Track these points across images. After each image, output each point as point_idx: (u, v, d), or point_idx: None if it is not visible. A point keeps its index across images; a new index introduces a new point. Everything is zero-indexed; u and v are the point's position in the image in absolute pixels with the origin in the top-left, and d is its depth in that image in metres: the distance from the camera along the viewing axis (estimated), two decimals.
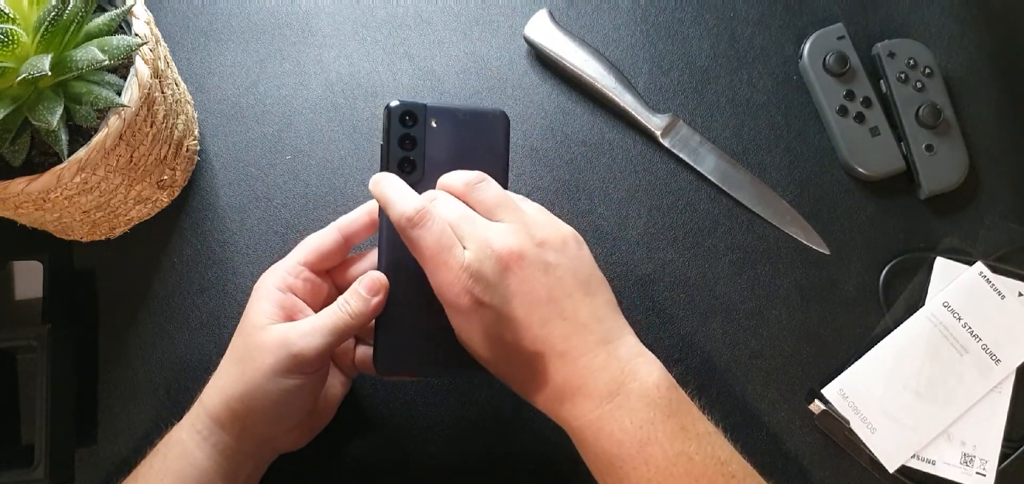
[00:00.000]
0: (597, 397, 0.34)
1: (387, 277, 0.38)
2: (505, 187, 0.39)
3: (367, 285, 0.37)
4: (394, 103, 0.39)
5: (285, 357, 0.36)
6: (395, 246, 0.38)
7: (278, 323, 0.37)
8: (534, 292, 0.35)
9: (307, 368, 0.37)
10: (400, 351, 0.39)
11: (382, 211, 0.38)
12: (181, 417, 0.39)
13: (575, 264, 0.36)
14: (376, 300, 0.37)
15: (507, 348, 0.35)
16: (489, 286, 0.34)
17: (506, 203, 0.37)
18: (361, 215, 0.42)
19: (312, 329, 0.36)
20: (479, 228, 0.35)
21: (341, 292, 0.38)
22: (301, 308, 0.39)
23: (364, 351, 0.43)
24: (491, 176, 0.38)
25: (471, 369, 0.38)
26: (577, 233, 0.38)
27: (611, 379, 0.34)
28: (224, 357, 0.39)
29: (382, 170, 0.39)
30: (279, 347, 0.36)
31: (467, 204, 0.37)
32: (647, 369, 0.35)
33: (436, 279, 0.35)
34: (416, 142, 0.39)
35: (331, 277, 0.43)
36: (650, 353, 0.36)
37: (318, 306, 0.39)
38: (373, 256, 0.42)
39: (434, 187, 0.38)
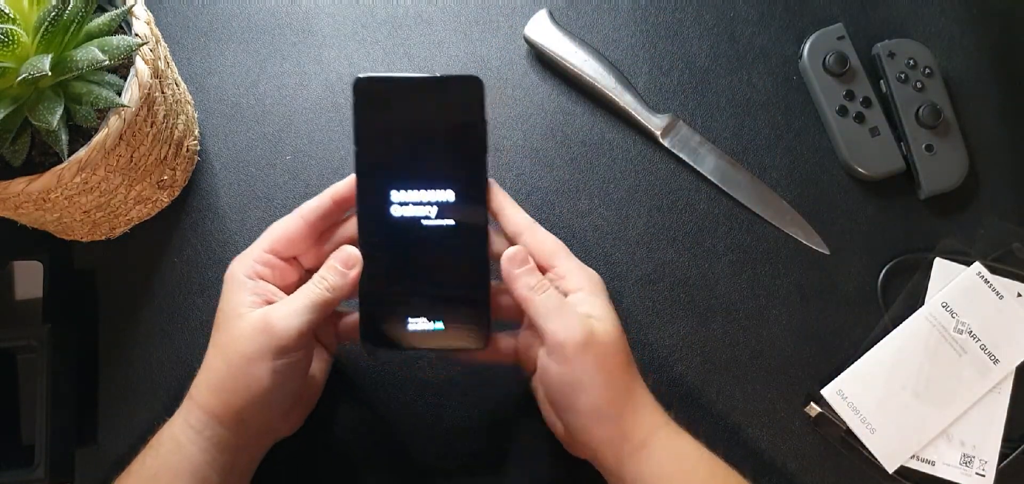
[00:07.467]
0: None
1: (366, 253, 0.39)
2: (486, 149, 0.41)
3: (342, 260, 0.39)
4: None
5: (269, 339, 0.36)
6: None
7: (256, 309, 0.37)
8: None
9: (292, 347, 0.37)
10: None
11: (359, 193, 0.40)
12: None
13: None
14: (353, 273, 0.39)
15: None
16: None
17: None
18: (324, 201, 0.41)
19: (292, 308, 0.37)
20: None
21: (309, 275, 0.39)
22: (274, 293, 0.39)
23: (350, 320, 0.43)
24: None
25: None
26: None
27: None
28: (207, 354, 0.39)
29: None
30: (262, 331, 0.36)
31: None
32: None
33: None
34: None
35: (298, 262, 0.42)
36: None
37: (288, 291, 0.39)
38: (342, 235, 0.42)
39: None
